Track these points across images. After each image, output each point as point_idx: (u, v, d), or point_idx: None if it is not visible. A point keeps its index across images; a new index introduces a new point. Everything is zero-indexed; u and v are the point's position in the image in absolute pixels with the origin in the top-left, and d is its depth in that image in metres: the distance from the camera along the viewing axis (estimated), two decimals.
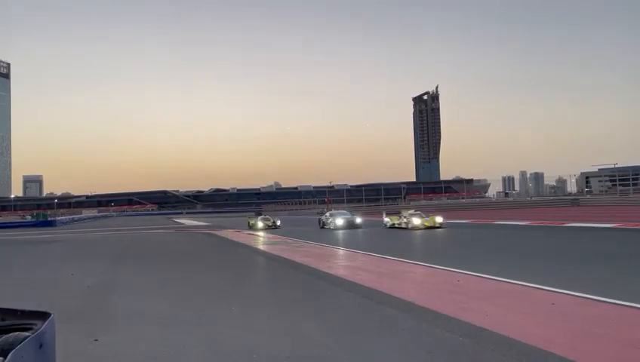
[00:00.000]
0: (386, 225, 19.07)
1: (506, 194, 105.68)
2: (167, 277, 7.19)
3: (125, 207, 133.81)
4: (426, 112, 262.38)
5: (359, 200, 63.64)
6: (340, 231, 17.99)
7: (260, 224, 21.89)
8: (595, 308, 4.10)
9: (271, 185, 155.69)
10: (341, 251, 9.84)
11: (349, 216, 20.56)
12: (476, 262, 7.24)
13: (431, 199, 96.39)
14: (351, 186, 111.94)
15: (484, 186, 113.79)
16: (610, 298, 4.33)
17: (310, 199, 61.81)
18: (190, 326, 4.04)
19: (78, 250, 13.63)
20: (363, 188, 73.90)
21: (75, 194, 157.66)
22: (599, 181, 60.75)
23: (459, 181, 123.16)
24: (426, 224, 16.81)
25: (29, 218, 53.23)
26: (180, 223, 34.01)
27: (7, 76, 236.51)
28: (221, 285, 6.39)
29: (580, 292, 4.65)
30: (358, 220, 20.30)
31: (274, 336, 3.61)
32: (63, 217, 50.94)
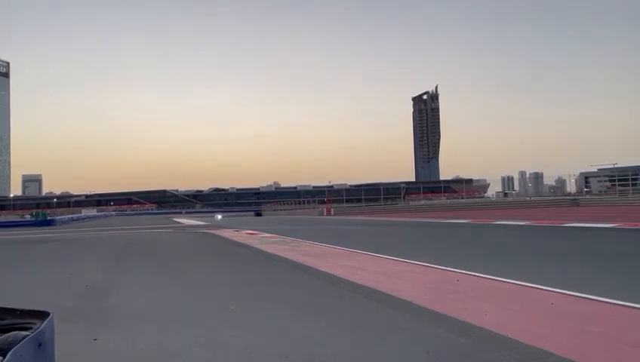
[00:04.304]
0: None
1: (506, 194, 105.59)
2: (167, 277, 7.18)
3: (124, 206, 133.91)
4: (426, 112, 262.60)
5: (358, 200, 63.67)
6: (339, 230, 18.03)
7: None
8: (594, 308, 4.10)
9: (270, 185, 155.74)
10: (339, 250, 9.83)
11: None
12: (476, 262, 7.25)
13: (430, 199, 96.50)
14: (350, 186, 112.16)
15: (484, 186, 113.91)
16: (610, 298, 4.34)
17: (309, 199, 61.73)
18: (190, 325, 4.04)
19: (77, 249, 13.62)
20: (362, 187, 74.03)
21: (75, 193, 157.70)
22: (599, 181, 60.76)
23: (458, 181, 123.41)
24: None
25: (28, 217, 53.14)
26: (179, 223, 33.99)
27: (6, 75, 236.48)
28: (220, 284, 6.38)
29: (579, 291, 4.66)
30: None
31: (273, 336, 3.61)
32: (63, 216, 50.90)
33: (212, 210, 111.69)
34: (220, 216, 61.60)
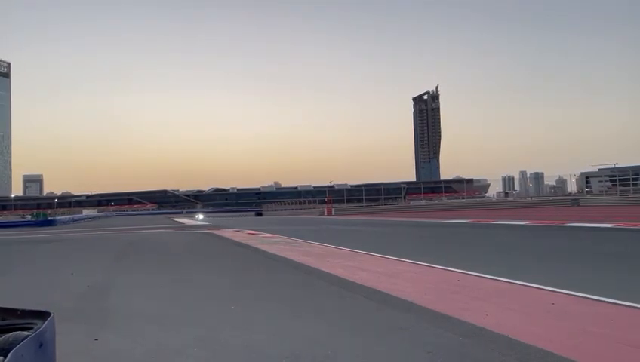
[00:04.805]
0: None
1: (506, 194, 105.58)
2: (167, 277, 7.19)
3: (125, 206, 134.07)
4: (426, 112, 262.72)
5: (359, 200, 63.59)
6: (340, 230, 18.04)
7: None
8: (594, 308, 4.10)
9: (271, 185, 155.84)
10: (340, 250, 9.84)
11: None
12: (476, 262, 7.25)
13: (431, 199, 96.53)
14: (351, 186, 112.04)
15: (484, 186, 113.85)
16: (610, 298, 4.34)
17: (310, 199, 61.68)
18: (190, 325, 4.04)
19: (78, 249, 13.63)
20: (363, 187, 73.78)
21: (75, 193, 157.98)
22: (599, 181, 60.65)
23: (459, 181, 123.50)
24: None
25: (29, 217, 53.15)
26: (180, 223, 34.02)
27: (7, 75, 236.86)
28: (221, 284, 6.39)
29: (580, 292, 4.66)
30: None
31: (273, 336, 3.61)
32: (63, 217, 50.90)
33: (213, 210, 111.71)
34: (201, 216, 55.77)
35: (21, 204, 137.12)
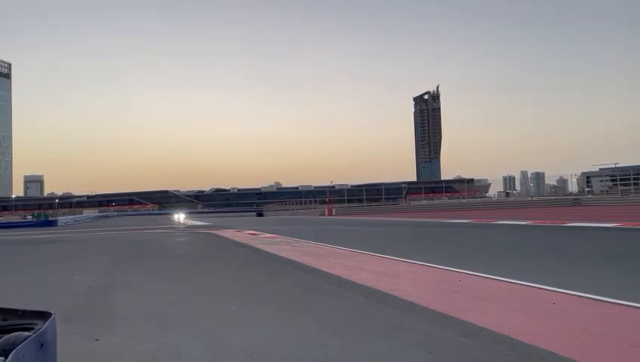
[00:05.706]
0: None
1: (507, 193, 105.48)
2: (168, 277, 7.19)
3: (126, 206, 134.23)
4: (427, 112, 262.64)
5: (360, 200, 63.60)
6: (340, 230, 18.05)
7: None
8: (596, 308, 4.10)
9: (272, 185, 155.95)
10: (341, 250, 9.84)
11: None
12: (477, 262, 7.24)
13: (432, 199, 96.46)
14: (352, 186, 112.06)
15: (485, 186, 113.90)
16: (612, 298, 4.33)
17: (311, 199, 61.74)
18: (191, 325, 4.04)
19: (78, 250, 13.64)
20: (364, 187, 73.78)
21: (76, 194, 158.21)
22: (600, 181, 60.58)
23: (460, 181, 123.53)
24: None
25: (30, 218, 53.23)
26: (181, 223, 34.02)
27: (8, 76, 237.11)
28: (221, 285, 6.39)
29: (581, 291, 4.66)
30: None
31: (274, 336, 3.61)
32: (64, 217, 50.96)
33: (214, 210, 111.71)
34: (182, 216, 48.79)
35: (22, 204, 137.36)
